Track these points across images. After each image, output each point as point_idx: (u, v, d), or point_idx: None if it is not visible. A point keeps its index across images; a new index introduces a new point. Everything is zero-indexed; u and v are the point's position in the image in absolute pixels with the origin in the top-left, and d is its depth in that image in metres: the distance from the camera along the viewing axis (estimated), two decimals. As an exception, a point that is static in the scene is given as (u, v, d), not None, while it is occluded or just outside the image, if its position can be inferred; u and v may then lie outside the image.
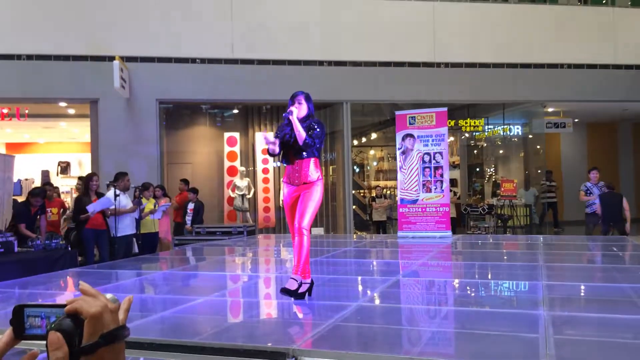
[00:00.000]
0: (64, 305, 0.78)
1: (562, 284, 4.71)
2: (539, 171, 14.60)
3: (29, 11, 10.60)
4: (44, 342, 0.77)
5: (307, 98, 4.13)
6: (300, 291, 3.84)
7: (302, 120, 4.00)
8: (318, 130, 3.98)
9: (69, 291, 4.98)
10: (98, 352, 0.76)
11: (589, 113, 15.04)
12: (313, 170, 3.98)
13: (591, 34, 12.44)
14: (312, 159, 3.99)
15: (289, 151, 4.01)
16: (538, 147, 15.23)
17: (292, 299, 3.85)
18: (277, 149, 3.96)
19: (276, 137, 4.02)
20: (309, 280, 3.96)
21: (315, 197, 3.95)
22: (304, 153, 3.96)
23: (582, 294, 4.45)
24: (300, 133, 3.89)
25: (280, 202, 11.77)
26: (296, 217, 3.92)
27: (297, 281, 3.85)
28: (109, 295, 0.81)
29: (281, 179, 4.36)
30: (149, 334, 3.13)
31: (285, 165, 4.11)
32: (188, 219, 10.17)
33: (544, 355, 2.54)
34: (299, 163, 3.97)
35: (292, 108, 3.98)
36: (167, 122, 12.36)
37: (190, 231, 9.91)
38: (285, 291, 3.79)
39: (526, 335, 2.97)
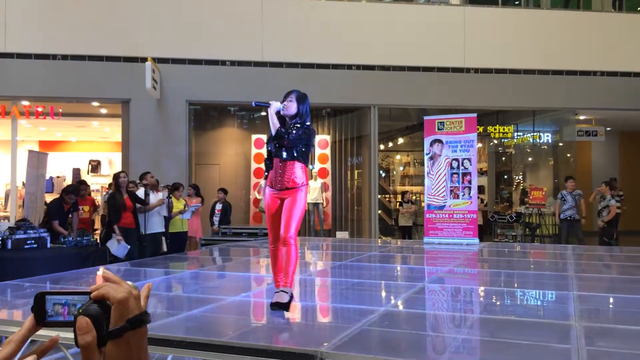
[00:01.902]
0: (88, 292, 0.80)
1: (593, 294, 4.62)
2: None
3: (64, 12, 10.85)
4: (65, 328, 0.80)
5: (299, 98, 3.87)
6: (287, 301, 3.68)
7: (290, 119, 3.85)
8: (301, 132, 3.76)
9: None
10: (124, 336, 0.78)
11: (621, 121, 14.75)
12: (298, 175, 3.76)
13: (625, 41, 12.20)
14: (297, 164, 3.77)
15: (274, 155, 3.83)
16: (568, 155, 14.98)
17: (279, 309, 3.66)
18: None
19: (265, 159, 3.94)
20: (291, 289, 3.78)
21: (299, 205, 3.74)
22: (287, 154, 3.74)
23: (615, 306, 4.35)
24: (275, 123, 3.77)
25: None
26: (281, 227, 3.71)
27: (287, 293, 3.68)
28: (129, 283, 0.83)
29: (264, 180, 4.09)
30: (177, 331, 3.16)
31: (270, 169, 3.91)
32: (215, 219, 10.27)
33: (576, 366, 2.49)
34: (282, 167, 3.76)
35: (273, 102, 3.83)
36: (195, 124, 12.50)
37: (217, 232, 10.00)
38: (276, 305, 3.62)
39: (558, 346, 2.92)
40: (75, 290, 0.82)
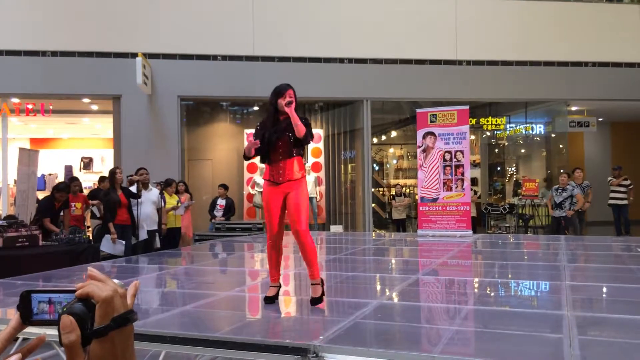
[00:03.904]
0: (73, 290, 0.79)
1: (585, 284, 4.65)
2: (562, 170, 14.42)
3: (54, 8, 10.76)
4: (52, 326, 0.79)
5: (294, 91, 3.85)
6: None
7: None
8: (309, 129, 3.80)
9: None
10: (109, 335, 0.77)
11: (613, 112, 14.81)
12: (300, 168, 3.79)
13: (616, 32, 12.23)
14: (297, 158, 3.80)
15: (273, 149, 3.76)
16: (561, 146, 15.03)
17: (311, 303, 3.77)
18: (252, 152, 3.77)
19: (255, 139, 3.80)
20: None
21: (304, 195, 3.79)
22: (296, 152, 3.76)
23: (606, 295, 4.38)
24: (300, 126, 3.66)
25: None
26: (291, 222, 3.75)
27: (320, 285, 3.78)
28: (116, 281, 0.82)
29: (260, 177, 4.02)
30: (171, 327, 3.16)
31: (266, 164, 3.87)
32: (217, 213, 10.31)
33: (568, 355, 2.50)
34: (283, 162, 3.75)
35: (290, 98, 3.72)
36: (188, 119, 12.45)
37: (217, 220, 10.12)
38: (315, 301, 3.73)
39: (550, 336, 2.94)
40: (61, 288, 0.81)
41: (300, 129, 3.67)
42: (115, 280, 0.82)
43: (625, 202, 11.46)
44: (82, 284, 0.80)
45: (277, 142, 3.75)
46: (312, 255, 3.77)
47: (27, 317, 0.80)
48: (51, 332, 0.91)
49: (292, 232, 3.79)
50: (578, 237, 9.25)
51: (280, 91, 3.78)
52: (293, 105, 3.71)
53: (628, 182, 11.50)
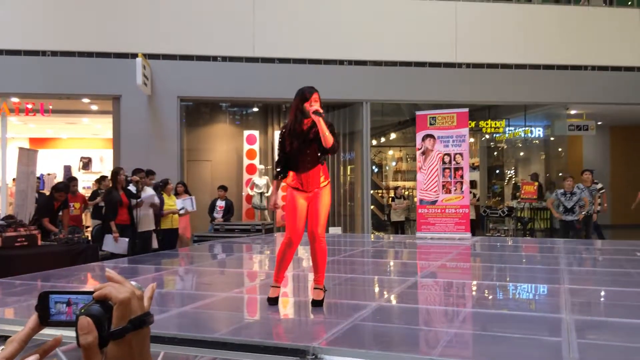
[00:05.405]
0: (91, 292, 0.80)
1: (584, 288, 4.65)
2: (560, 174, 14.44)
3: (54, 8, 10.76)
4: (69, 328, 0.79)
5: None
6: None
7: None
8: (336, 137, 3.71)
9: (90, 284, 5.04)
10: (126, 337, 0.78)
11: (612, 116, 14.83)
12: (325, 174, 3.79)
13: (616, 35, 12.25)
14: (322, 165, 3.77)
15: (298, 158, 3.70)
16: (560, 149, 15.06)
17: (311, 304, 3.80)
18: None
19: (280, 160, 3.78)
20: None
21: (326, 202, 3.78)
22: (319, 159, 3.69)
23: (605, 299, 4.38)
24: (328, 137, 3.55)
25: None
26: (311, 225, 3.75)
27: (323, 290, 3.80)
28: (133, 283, 0.83)
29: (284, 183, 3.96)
30: (169, 328, 3.15)
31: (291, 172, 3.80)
32: (217, 215, 10.33)
33: (567, 358, 2.51)
34: (310, 171, 3.70)
35: (319, 108, 3.60)
36: (187, 120, 12.45)
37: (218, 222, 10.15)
38: (316, 303, 3.75)
39: (549, 339, 2.94)
40: (79, 290, 0.82)
41: (327, 140, 3.56)
42: (133, 282, 0.83)
43: (598, 207, 10.66)
44: (99, 285, 0.81)
45: (304, 152, 3.70)
46: (323, 261, 3.79)
47: (45, 318, 0.81)
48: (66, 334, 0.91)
49: (309, 235, 3.78)
50: (577, 241, 9.25)
51: (305, 95, 3.67)
52: (322, 116, 3.57)
53: (599, 185, 10.79)
